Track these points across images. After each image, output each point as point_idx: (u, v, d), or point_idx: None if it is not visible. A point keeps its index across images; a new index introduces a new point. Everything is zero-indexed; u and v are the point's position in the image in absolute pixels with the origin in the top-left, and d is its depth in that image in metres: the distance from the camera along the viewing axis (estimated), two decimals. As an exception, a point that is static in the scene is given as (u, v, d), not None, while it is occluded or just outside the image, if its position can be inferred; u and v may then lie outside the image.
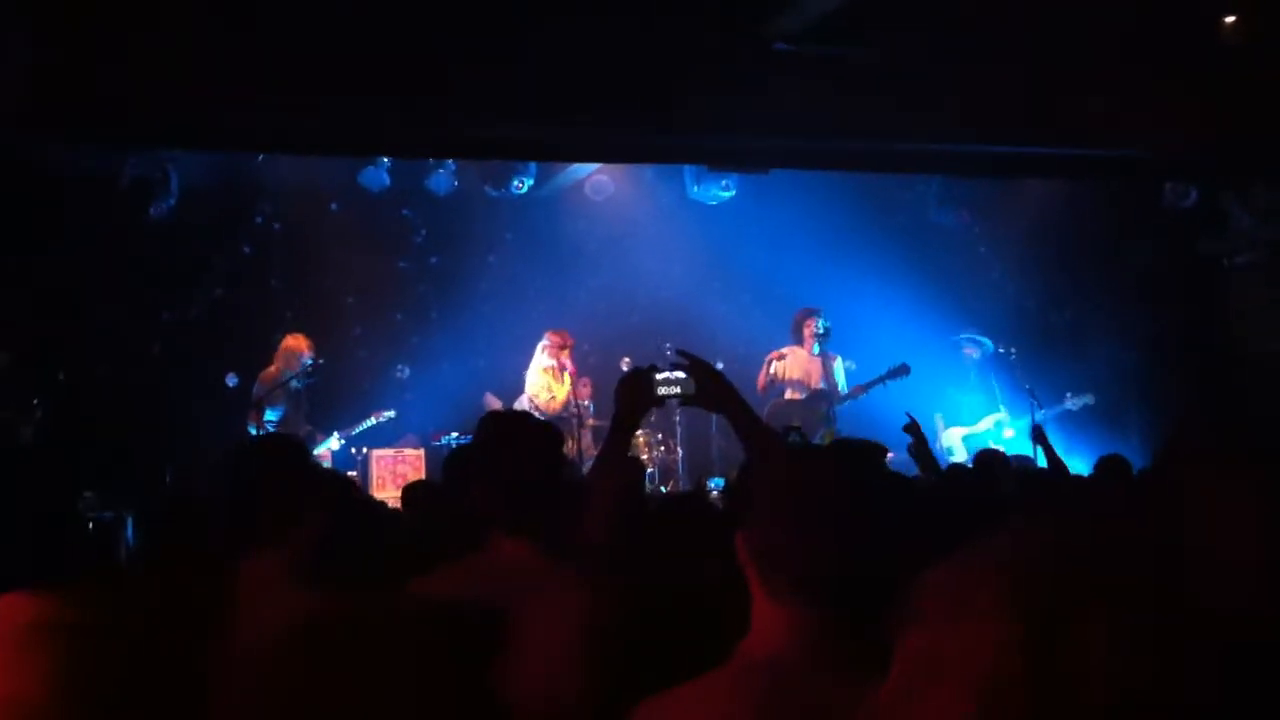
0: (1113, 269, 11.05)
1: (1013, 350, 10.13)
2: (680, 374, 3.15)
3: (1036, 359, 10.24)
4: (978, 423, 10.38)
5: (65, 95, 7.11)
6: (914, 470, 5.64)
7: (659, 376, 3.17)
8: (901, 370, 9.62)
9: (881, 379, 9.74)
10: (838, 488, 2.02)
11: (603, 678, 2.65)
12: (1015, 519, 1.34)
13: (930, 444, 5.72)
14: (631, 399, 3.20)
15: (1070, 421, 10.00)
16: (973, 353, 10.48)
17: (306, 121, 7.95)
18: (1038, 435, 8.02)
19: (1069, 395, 9.97)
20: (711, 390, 3.13)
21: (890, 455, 5.72)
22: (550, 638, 2.65)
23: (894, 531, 1.98)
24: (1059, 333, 10.99)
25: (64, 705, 1.82)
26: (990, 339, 10.46)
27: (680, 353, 3.27)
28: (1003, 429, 10.20)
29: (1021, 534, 1.32)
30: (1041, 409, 9.50)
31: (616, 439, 3.23)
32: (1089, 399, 9.97)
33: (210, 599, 2.75)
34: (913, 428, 5.54)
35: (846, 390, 9.88)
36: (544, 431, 3.12)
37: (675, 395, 3.16)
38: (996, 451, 5.73)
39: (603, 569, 2.98)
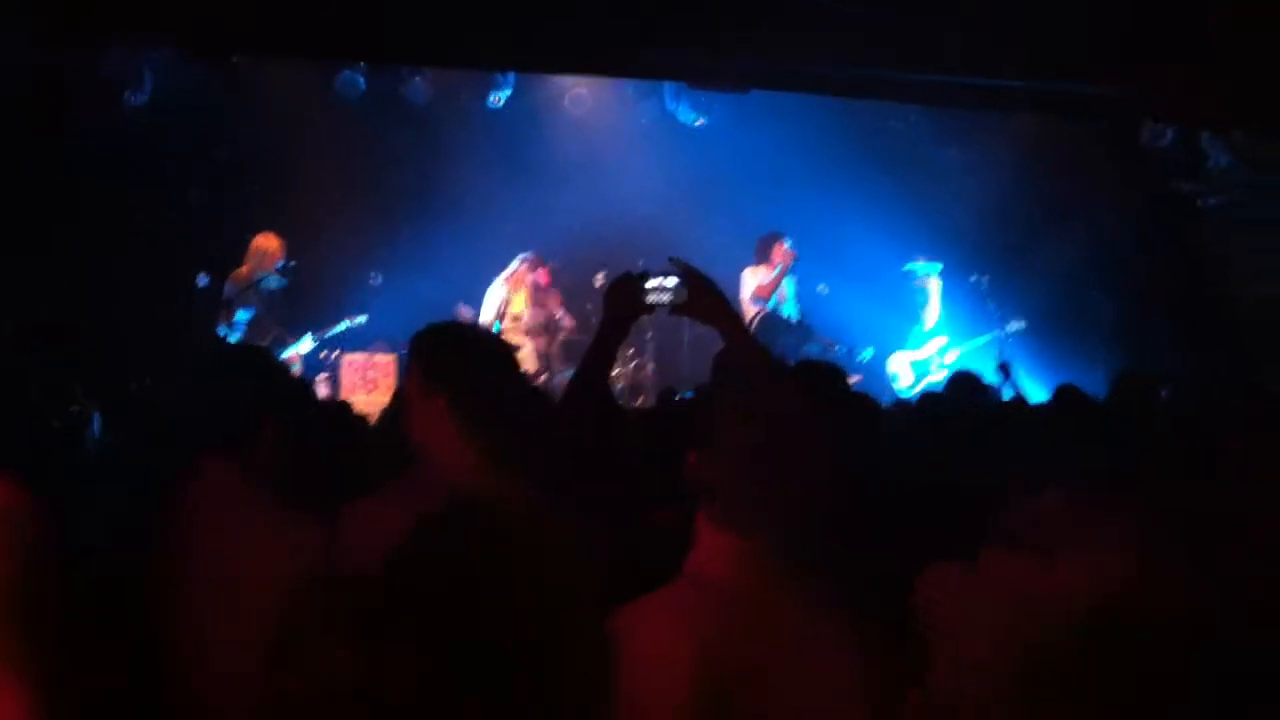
0: (1093, 205, 11.07)
1: (984, 278, 10.17)
2: (672, 281, 3.02)
3: (1006, 289, 10.32)
4: (921, 346, 10.51)
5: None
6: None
7: (649, 284, 3.03)
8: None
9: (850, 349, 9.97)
10: (797, 418, 2.04)
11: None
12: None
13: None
14: (620, 304, 3.09)
15: (1021, 347, 10.13)
16: (924, 282, 10.59)
17: (286, 23, 7.89)
18: (1004, 368, 8.14)
19: (1010, 320, 10.05)
20: (705, 300, 3.02)
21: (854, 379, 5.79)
22: None
23: (855, 464, 2.01)
24: (1030, 264, 11.03)
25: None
26: (955, 264, 10.53)
27: (673, 260, 3.12)
28: (945, 353, 10.35)
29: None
30: (1003, 334, 9.68)
31: (601, 346, 3.13)
32: (1022, 324, 10.06)
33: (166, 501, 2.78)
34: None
35: (797, 312, 9.92)
36: (489, 340, 3.06)
37: (665, 304, 3.03)
38: (971, 374, 5.76)
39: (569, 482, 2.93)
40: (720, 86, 9.28)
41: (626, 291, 3.08)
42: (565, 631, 1.52)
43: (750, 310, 9.67)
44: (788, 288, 9.88)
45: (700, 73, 8.97)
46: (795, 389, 2.35)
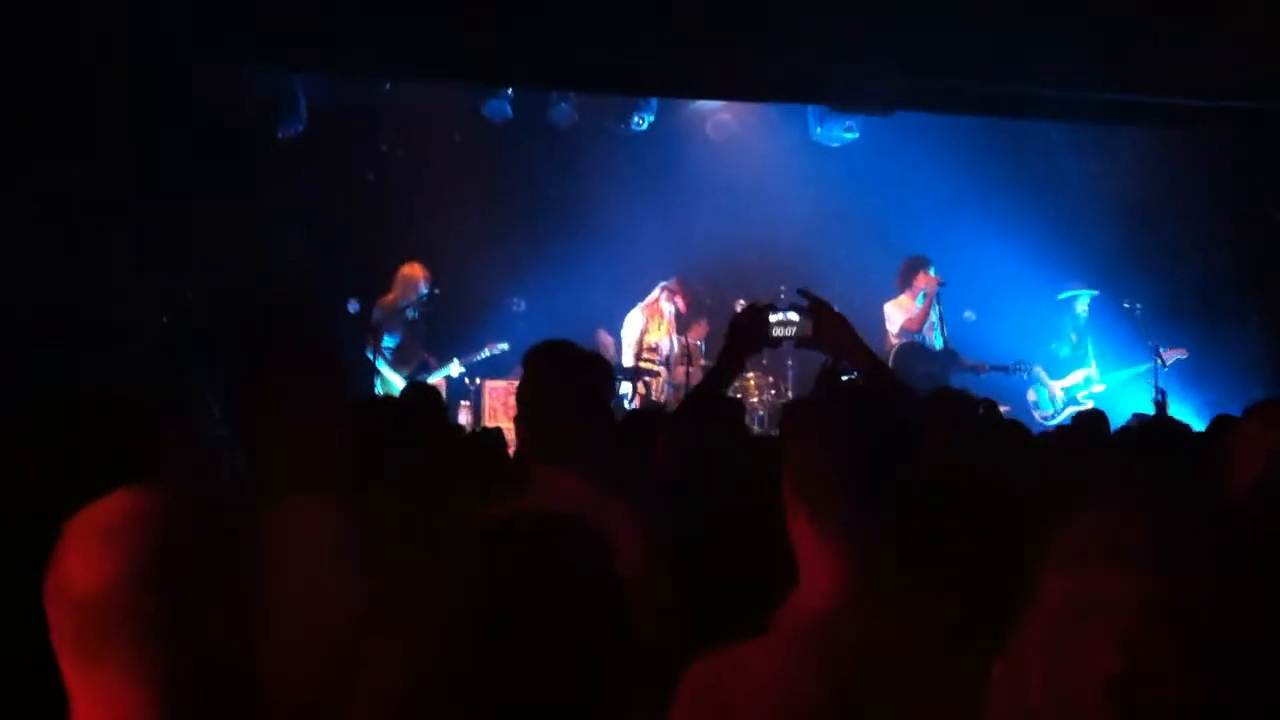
0: (1245, 226, 10.61)
1: (1137, 305, 9.79)
2: (795, 315, 3.00)
3: (1160, 316, 9.94)
4: (1066, 376, 10.18)
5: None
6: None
7: (774, 317, 3.01)
8: (1018, 367, 9.52)
9: (1004, 368, 9.63)
10: (878, 425, 1.98)
11: (656, 618, 2.62)
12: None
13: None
14: (743, 337, 3.05)
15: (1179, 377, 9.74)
16: (1082, 308, 10.27)
17: (433, 48, 8.02)
18: (1160, 404, 7.83)
19: (1166, 350, 9.65)
20: (831, 333, 2.98)
21: (1005, 408, 5.59)
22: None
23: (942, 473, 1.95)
24: (1184, 291, 10.61)
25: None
26: (1107, 290, 10.19)
27: (801, 291, 3.09)
28: (1091, 384, 10.01)
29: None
30: (1165, 366, 9.29)
31: (714, 376, 3.11)
32: (1183, 353, 9.66)
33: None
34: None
35: (942, 340, 9.66)
36: (591, 365, 3.04)
37: (790, 337, 3.00)
38: (1096, 413, 5.57)
39: (660, 505, 2.91)
40: (866, 109, 9.15)
41: (751, 324, 3.05)
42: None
43: (896, 344, 9.49)
44: (933, 315, 9.64)
45: (845, 95, 8.85)
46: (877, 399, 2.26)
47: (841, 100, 9.13)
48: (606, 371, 3.11)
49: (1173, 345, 9.65)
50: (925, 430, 2.21)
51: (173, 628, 1.72)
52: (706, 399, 3.20)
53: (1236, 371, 9.88)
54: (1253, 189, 10.57)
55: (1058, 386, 10.19)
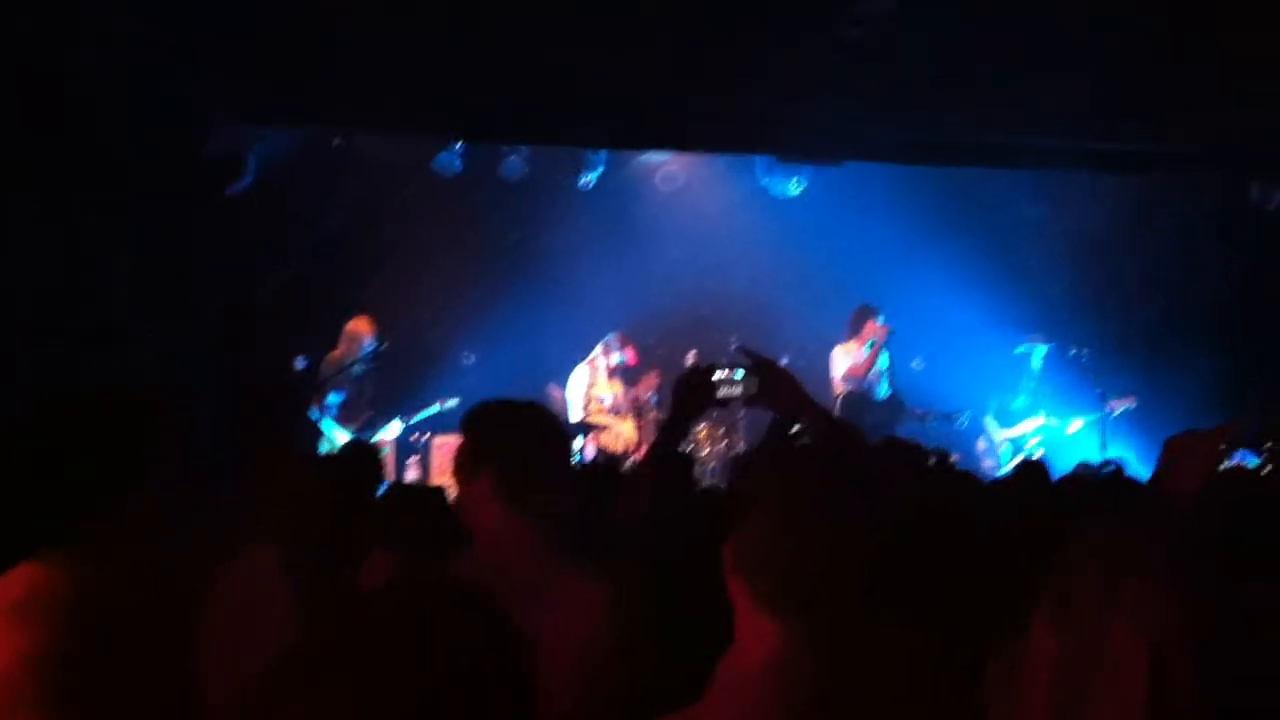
0: (1195, 269, 10.72)
1: (1084, 351, 9.83)
2: (740, 373, 2.97)
3: (1108, 361, 9.99)
4: (1016, 425, 10.23)
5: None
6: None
7: (718, 376, 2.98)
8: (958, 415, 9.52)
9: (948, 416, 9.62)
10: (830, 493, 1.92)
11: (614, 676, 2.55)
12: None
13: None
14: (688, 399, 3.03)
15: (1131, 425, 9.78)
16: (1037, 362, 10.32)
17: (384, 103, 8.00)
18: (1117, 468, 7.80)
19: (1114, 398, 9.69)
20: (777, 390, 2.96)
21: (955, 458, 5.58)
22: (560, 636, 2.54)
23: (897, 539, 1.87)
24: (1134, 335, 10.70)
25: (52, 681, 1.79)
26: (1058, 339, 10.24)
27: (744, 350, 3.10)
28: (1039, 433, 10.10)
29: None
30: (1114, 415, 9.33)
31: (664, 437, 3.10)
32: (1131, 402, 9.70)
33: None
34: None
35: (889, 388, 9.65)
36: (545, 415, 2.96)
37: (735, 397, 2.98)
38: (1036, 464, 5.57)
39: (626, 552, 2.85)
40: (812, 159, 9.20)
41: (695, 385, 3.02)
42: None
43: (841, 389, 9.48)
44: (880, 362, 9.65)
45: (791, 145, 8.89)
46: (820, 465, 2.20)
47: (787, 150, 9.17)
48: (558, 424, 3.02)
49: (1121, 392, 9.69)
50: (879, 481, 2.17)
51: (79, 706, 1.65)
52: (658, 458, 3.16)
53: (1186, 417, 9.93)
54: (1201, 232, 10.70)
55: (1005, 435, 10.21)
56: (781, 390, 2.96)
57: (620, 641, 2.58)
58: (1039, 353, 10.26)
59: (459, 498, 2.88)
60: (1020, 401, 10.23)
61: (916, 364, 9.96)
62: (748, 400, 2.99)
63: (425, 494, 5.16)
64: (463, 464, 2.84)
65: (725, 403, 3.02)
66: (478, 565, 2.72)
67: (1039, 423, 10.10)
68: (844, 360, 9.58)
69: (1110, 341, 10.27)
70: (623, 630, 2.60)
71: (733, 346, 10.17)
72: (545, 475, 2.81)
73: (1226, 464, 2.73)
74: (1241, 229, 10.50)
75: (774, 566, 1.88)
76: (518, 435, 2.84)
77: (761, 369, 2.98)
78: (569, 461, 3.03)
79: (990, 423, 10.26)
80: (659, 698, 1.98)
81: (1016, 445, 10.10)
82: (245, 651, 2.62)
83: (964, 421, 9.86)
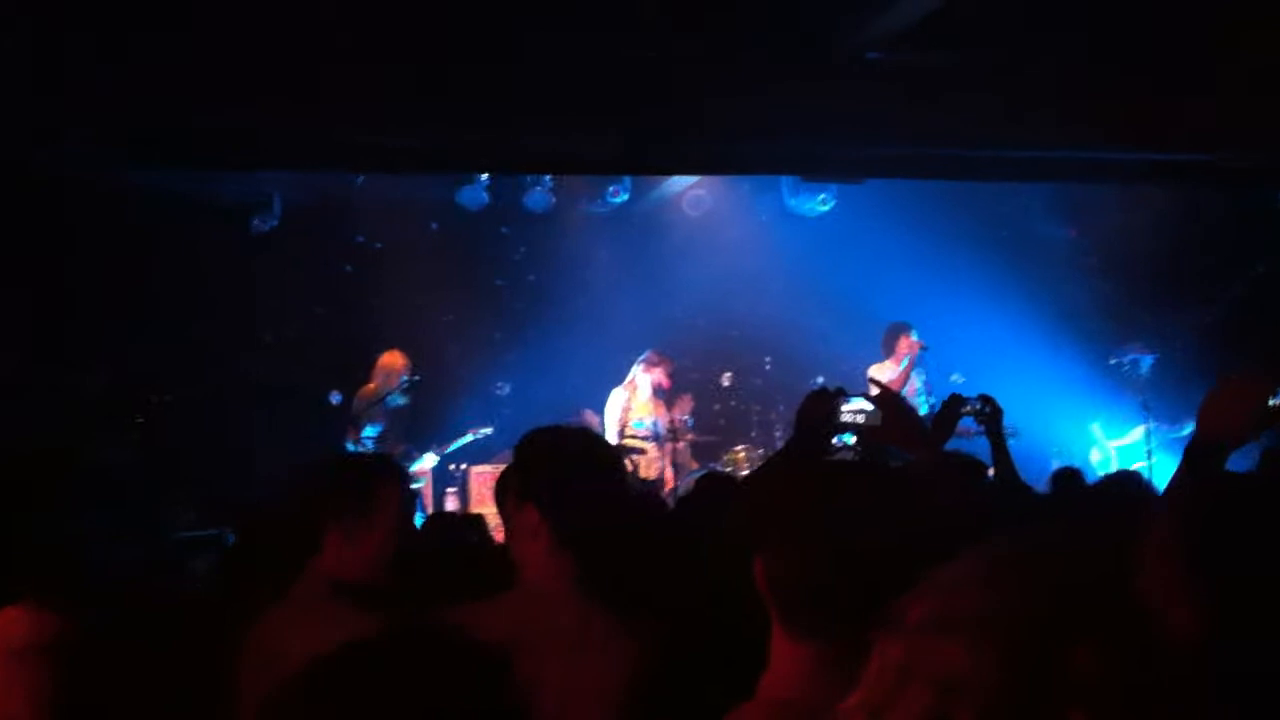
0: (1228, 281, 10.64)
1: (1124, 362, 9.81)
2: (868, 405, 2.89)
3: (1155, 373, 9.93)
4: (1126, 434, 10.29)
5: (157, 122, 7.26)
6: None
7: (847, 406, 2.91)
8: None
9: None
10: (857, 509, 1.87)
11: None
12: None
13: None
14: (812, 422, 2.97)
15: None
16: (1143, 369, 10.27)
17: (402, 142, 8.03)
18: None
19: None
20: (898, 427, 2.87)
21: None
22: (600, 681, 2.46)
23: (925, 556, 1.82)
24: (1173, 346, 10.61)
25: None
26: (1157, 349, 10.19)
27: (874, 381, 3.07)
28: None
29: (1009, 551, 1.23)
30: (1158, 425, 9.27)
31: (788, 456, 3.06)
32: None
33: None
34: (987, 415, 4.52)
35: (928, 405, 9.56)
36: (587, 445, 2.85)
37: (859, 425, 2.91)
38: (1071, 470, 5.53)
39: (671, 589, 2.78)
40: (835, 178, 9.19)
41: (820, 409, 2.98)
42: None
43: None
44: (917, 380, 9.58)
45: (813, 165, 8.88)
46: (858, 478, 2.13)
47: (810, 170, 9.16)
48: (608, 451, 2.96)
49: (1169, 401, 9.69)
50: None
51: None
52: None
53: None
54: (1230, 244, 10.61)
55: (1115, 445, 10.24)
56: (901, 427, 2.89)
57: (658, 688, 2.51)
58: (1145, 363, 10.20)
59: (507, 529, 2.77)
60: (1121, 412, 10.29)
61: (956, 378, 9.85)
62: (868, 433, 2.93)
63: (466, 521, 5.17)
64: (513, 491, 2.75)
65: (845, 429, 2.97)
66: (518, 605, 2.62)
67: (1143, 430, 10.05)
68: (879, 378, 9.48)
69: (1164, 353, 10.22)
70: (660, 676, 2.51)
71: (766, 366, 10.18)
72: (594, 506, 2.70)
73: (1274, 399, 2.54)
74: (1271, 236, 10.42)
75: (806, 587, 1.85)
76: (565, 464, 2.74)
77: (885, 403, 2.92)
78: (620, 490, 2.93)
79: (1098, 434, 10.29)
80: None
81: (1129, 453, 10.06)
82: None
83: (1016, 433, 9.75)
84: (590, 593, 2.61)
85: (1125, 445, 10.23)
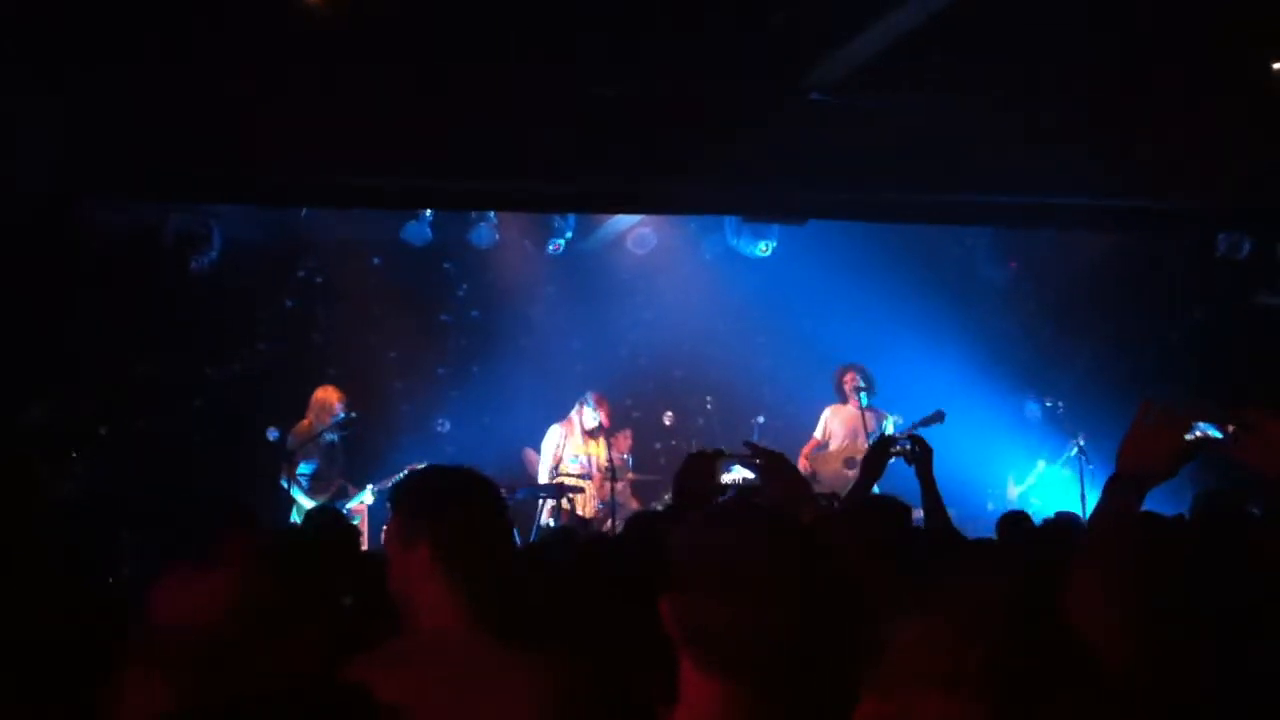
0: (1167, 322, 10.81)
1: (1060, 404, 9.92)
2: (748, 473, 2.98)
3: (1086, 413, 10.02)
4: (1026, 479, 10.37)
5: (103, 153, 7.20)
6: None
7: (728, 474, 3.01)
8: (936, 417, 9.28)
9: (915, 425, 9.47)
10: (774, 558, 1.84)
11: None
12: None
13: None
14: (691, 486, 3.00)
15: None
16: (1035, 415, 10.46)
17: (346, 177, 8.01)
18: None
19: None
20: (779, 484, 2.92)
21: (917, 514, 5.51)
22: None
23: (851, 604, 1.80)
24: (1110, 387, 10.74)
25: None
26: (1039, 393, 10.34)
27: (748, 444, 3.08)
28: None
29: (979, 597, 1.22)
30: (1090, 465, 9.37)
31: (672, 514, 3.13)
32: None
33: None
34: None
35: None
36: (482, 481, 2.79)
37: (737, 485, 3.01)
38: (1018, 515, 5.58)
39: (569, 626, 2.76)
40: (776, 218, 9.25)
41: (701, 471, 3.01)
42: None
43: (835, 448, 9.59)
44: (887, 428, 9.60)
45: (756, 205, 8.94)
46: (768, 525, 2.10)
47: (752, 211, 9.22)
48: (495, 490, 2.83)
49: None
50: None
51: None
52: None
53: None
54: (1168, 287, 10.78)
55: (1018, 491, 10.35)
56: (782, 483, 2.93)
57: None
58: (1032, 409, 10.39)
59: (393, 573, 2.68)
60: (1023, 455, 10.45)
61: (895, 419, 9.87)
62: (752, 492, 3.00)
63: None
64: (398, 535, 2.67)
65: (725, 490, 3.01)
66: (414, 651, 2.56)
67: (1039, 470, 10.24)
68: (837, 420, 9.73)
69: (1087, 395, 10.33)
70: (570, 710, 2.47)
71: (708, 406, 10.17)
72: (487, 544, 2.67)
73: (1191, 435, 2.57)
74: (1209, 280, 10.59)
75: (715, 630, 1.81)
76: (456, 502, 2.69)
77: (765, 463, 2.96)
78: (509, 528, 2.90)
79: (1011, 485, 10.48)
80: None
81: (1028, 495, 10.22)
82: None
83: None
84: (490, 630, 2.56)
85: (1032, 484, 10.36)
